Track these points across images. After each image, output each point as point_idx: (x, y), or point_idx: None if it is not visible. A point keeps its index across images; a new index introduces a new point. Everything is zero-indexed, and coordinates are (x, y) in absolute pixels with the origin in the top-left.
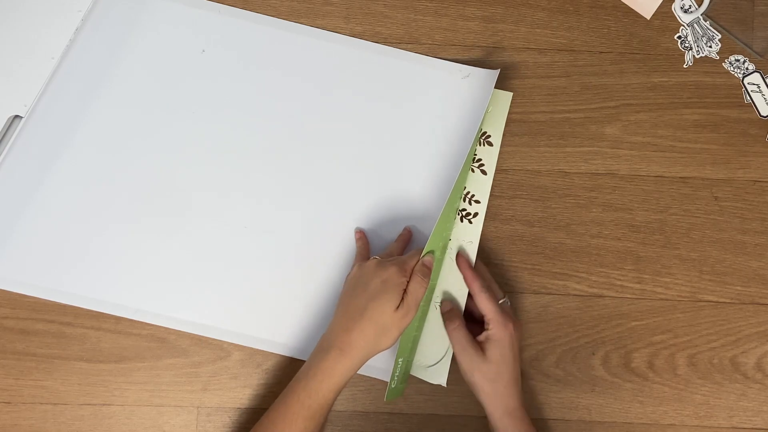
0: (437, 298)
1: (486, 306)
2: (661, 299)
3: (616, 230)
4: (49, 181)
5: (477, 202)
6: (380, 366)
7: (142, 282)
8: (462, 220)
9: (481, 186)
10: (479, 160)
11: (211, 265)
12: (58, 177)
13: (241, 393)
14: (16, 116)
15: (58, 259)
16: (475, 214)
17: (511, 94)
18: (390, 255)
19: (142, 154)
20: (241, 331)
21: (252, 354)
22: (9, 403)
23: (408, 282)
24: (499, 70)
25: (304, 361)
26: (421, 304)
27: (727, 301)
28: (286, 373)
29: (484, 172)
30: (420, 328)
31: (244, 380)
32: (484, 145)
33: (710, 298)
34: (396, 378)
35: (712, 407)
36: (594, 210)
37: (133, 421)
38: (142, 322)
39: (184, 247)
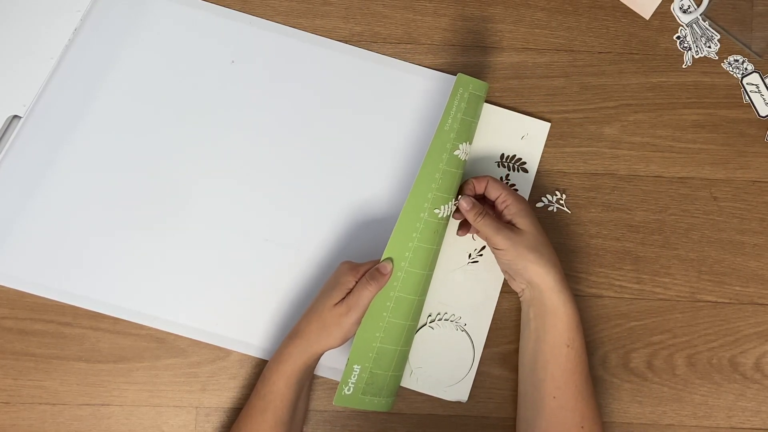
0: (427, 317)
1: (497, 186)
2: (660, 299)
3: (614, 230)
4: (48, 181)
5: None
6: (331, 366)
7: (141, 285)
8: None
9: None
10: (512, 185)
11: (210, 270)
12: (57, 177)
13: (240, 393)
14: (15, 116)
15: (58, 258)
16: None
17: (549, 124)
18: None
19: (141, 156)
20: (241, 339)
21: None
22: (8, 403)
23: (357, 283)
24: (487, 85)
25: None
26: (391, 317)
27: (726, 301)
28: None
29: None
30: (388, 341)
31: (243, 380)
32: (518, 171)
33: (709, 298)
34: (351, 385)
35: (711, 407)
36: (593, 210)
37: (132, 421)
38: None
39: (184, 251)
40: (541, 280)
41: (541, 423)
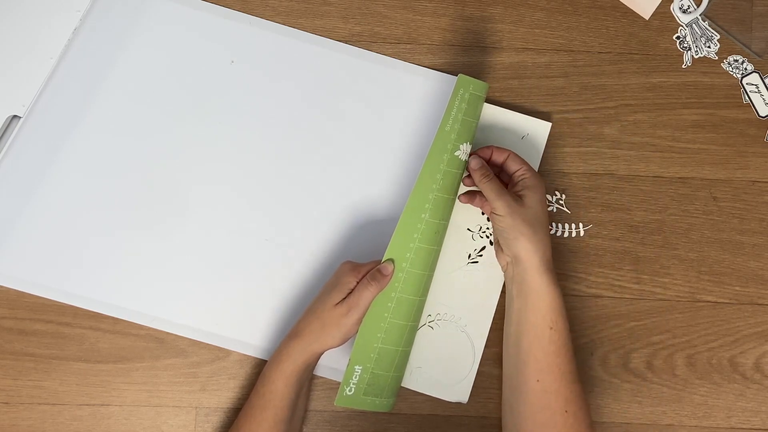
0: (427, 317)
1: (517, 160)
2: (660, 299)
3: (614, 230)
4: (48, 181)
5: None
6: (331, 366)
7: (141, 285)
8: (491, 244)
9: None
10: None
11: (210, 270)
12: (57, 177)
13: (240, 393)
14: (15, 116)
15: (58, 258)
16: None
17: (550, 124)
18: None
19: (141, 156)
20: (241, 339)
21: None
22: (7, 403)
23: (358, 283)
24: (487, 85)
25: None
26: (392, 318)
27: (726, 301)
28: None
29: None
30: (389, 342)
31: (243, 380)
32: None
33: (709, 298)
34: (353, 385)
35: (711, 407)
36: (593, 210)
37: (132, 421)
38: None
39: (184, 251)
40: (528, 257)
41: (524, 407)
